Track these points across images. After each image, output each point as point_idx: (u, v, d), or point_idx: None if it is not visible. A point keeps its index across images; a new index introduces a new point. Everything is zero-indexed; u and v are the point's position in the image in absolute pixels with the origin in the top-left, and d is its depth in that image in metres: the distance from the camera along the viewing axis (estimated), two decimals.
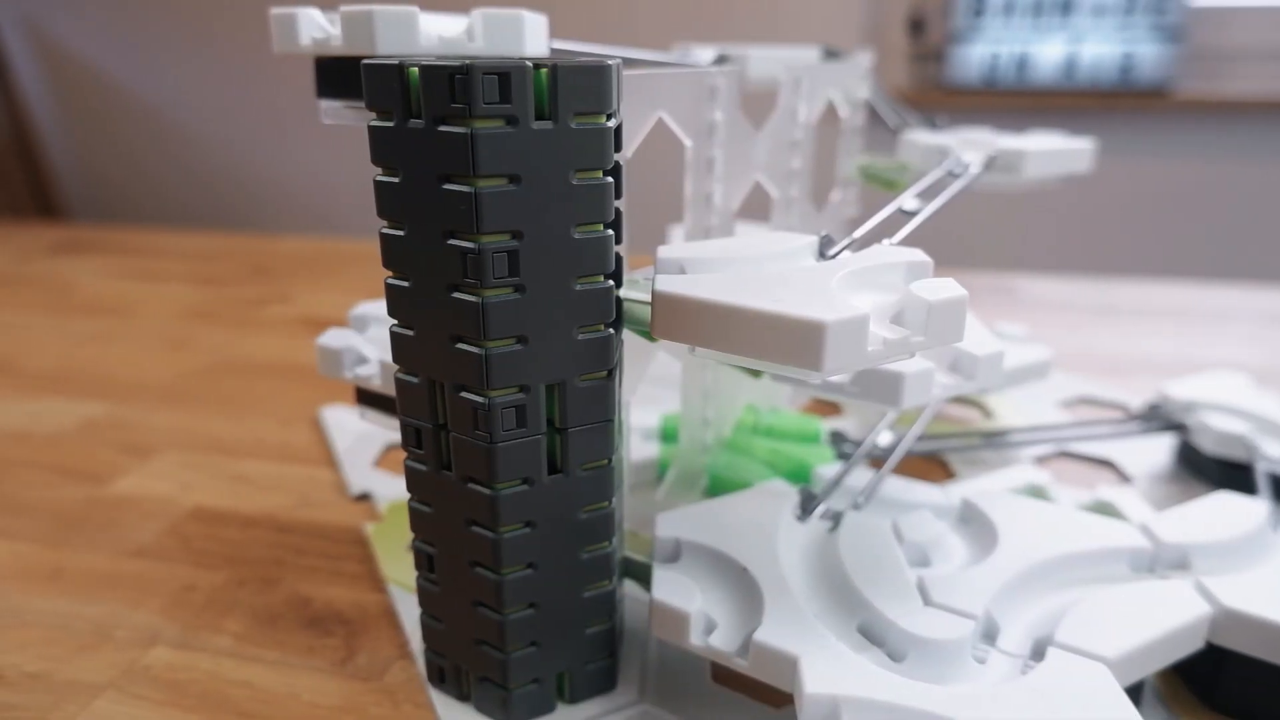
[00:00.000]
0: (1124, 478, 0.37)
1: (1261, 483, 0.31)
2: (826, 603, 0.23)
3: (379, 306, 0.31)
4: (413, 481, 0.22)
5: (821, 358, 0.18)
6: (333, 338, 0.28)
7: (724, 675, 0.25)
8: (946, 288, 0.20)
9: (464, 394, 0.20)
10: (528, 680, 0.23)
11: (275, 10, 0.24)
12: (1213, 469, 0.35)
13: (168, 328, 0.56)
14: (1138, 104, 1.42)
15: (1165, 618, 0.22)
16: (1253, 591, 0.23)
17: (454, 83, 0.18)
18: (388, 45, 0.22)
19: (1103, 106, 1.44)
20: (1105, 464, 0.38)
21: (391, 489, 0.35)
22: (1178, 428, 0.36)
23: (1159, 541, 0.25)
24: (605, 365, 0.21)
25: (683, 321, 0.20)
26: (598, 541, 0.23)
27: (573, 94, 0.18)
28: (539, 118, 0.18)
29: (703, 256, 0.22)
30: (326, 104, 0.25)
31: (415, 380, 0.21)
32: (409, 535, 0.32)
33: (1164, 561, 0.25)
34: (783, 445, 0.36)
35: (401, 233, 0.20)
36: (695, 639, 0.22)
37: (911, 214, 0.29)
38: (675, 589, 0.23)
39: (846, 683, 0.20)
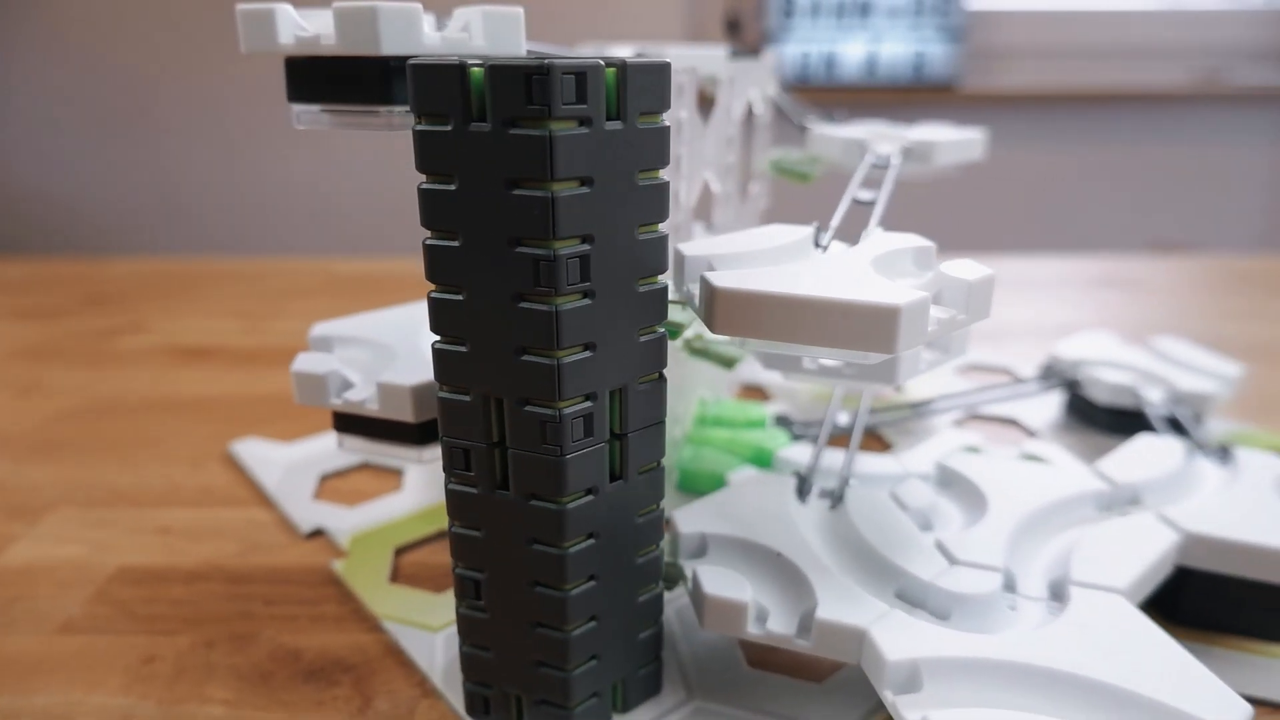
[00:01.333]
0: (1029, 432, 0.41)
1: (1159, 425, 0.36)
2: (860, 575, 0.24)
3: (337, 325, 0.28)
4: (458, 506, 0.21)
5: (895, 339, 0.19)
6: (310, 362, 0.26)
7: (759, 659, 0.26)
8: (976, 268, 0.21)
9: (530, 408, 0.19)
10: (588, 696, 0.23)
11: (244, 6, 0.22)
12: (1103, 417, 0.40)
13: (5, 370, 0.49)
14: (929, 98, 1.56)
15: (1150, 548, 0.25)
16: (1204, 516, 0.26)
17: (530, 83, 0.17)
18: (393, 44, 0.21)
19: (900, 101, 1.58)
20: (1010, 422, 0.42)
21: (344, 521, 0.33)
22: (1071, 384, 0.41)
23: (1115, 483, 0.28)
24: (660, 366, 0.21)
25: (750, 316, 0.20)
26: (650, 544, 0.23)
27: (640, 93, 0.18)
28: (609, 118, 0.18)
29: (725, 253, 0.22)
30: (301, 109, 0.23)
31: (466, 398, 0.20)
32: (385, 568, 0.30)
33: (1120, 499, 0.28)
34: (737, 433, 0.37)
35: (455, 243, 0.19)
36: (752, 628, 0.23)
37: (868, 203, 0.31)
38: (724, 582, 0.23)
39: (921, 645, 0.21)
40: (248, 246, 1.57)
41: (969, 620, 0.23)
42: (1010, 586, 0.24)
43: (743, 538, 0.25)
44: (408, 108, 0.23)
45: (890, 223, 0.26)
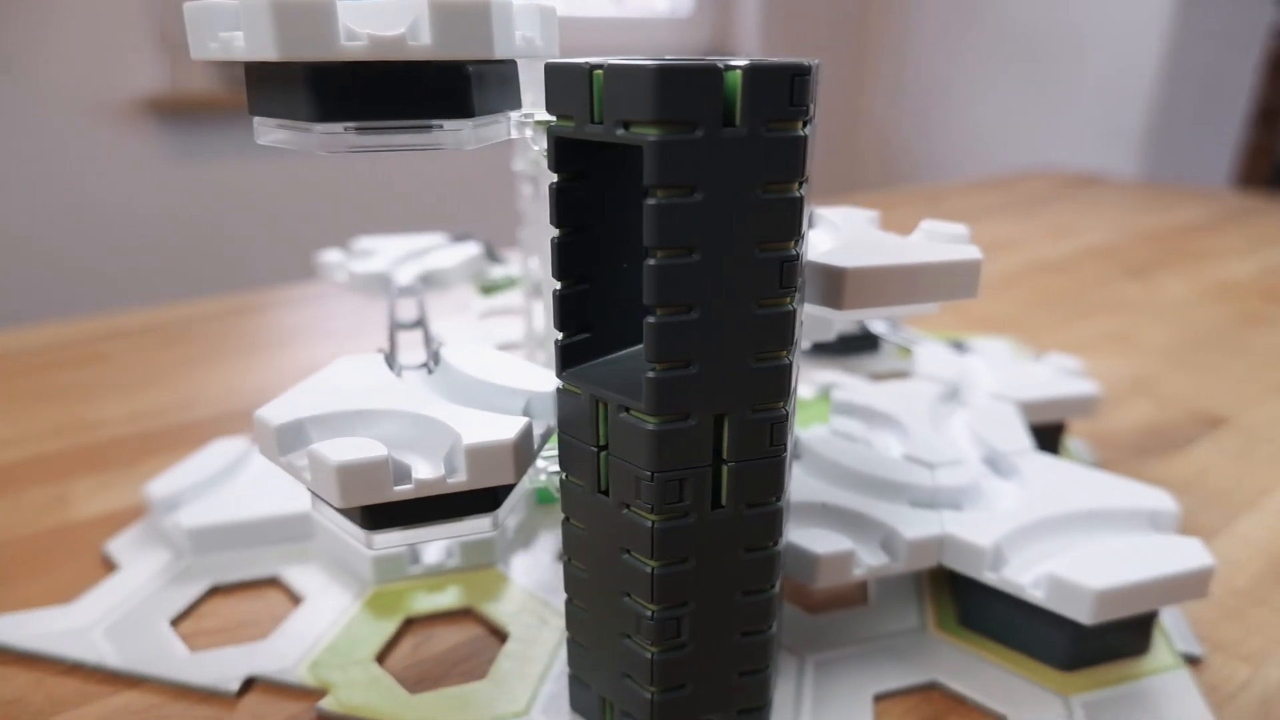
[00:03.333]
0: None
1: (891, 339, 0.46)
2: (876, 498, 0.28)
3: (292, 408, 0.22)
4: (669, 543, 0.20)
5: (977, 284, 0.23)
6: (356, 449, 0.20)
7: (811, 606, 0.28)
8: (955, 225, 0.26)
9: (757, 414, 0.19)
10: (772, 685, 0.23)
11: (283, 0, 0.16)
12: (836, 345, 0.49)
13: None
14: None
15: (1014, 415, 0.33)
16: (1015, 388, 0.36)
17: (794, 84, 0.17)
18: (502, 46, 0.18)
19: None
20: None
21: (274, 659, 0.26)
22: None
23: (946, 382, 0.37)
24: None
25: (876, 287, 0.22)
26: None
27: (817, 91, 0.19)
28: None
29: None
30: (326, 129, 0.18)
31: (689, 424, 0.19)
32: (388, 682, 0.25)
33: (949, 393, 0.37)
34: None
35: (692, 259, 0.17)
36: (858, 571, 0.25)
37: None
38: (826, 540, 0.25)
39: (990, 530, 0.26)
40: None
41: (975, 503, 0.28)
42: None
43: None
44: (480, 120, 0.20)
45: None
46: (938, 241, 0.26)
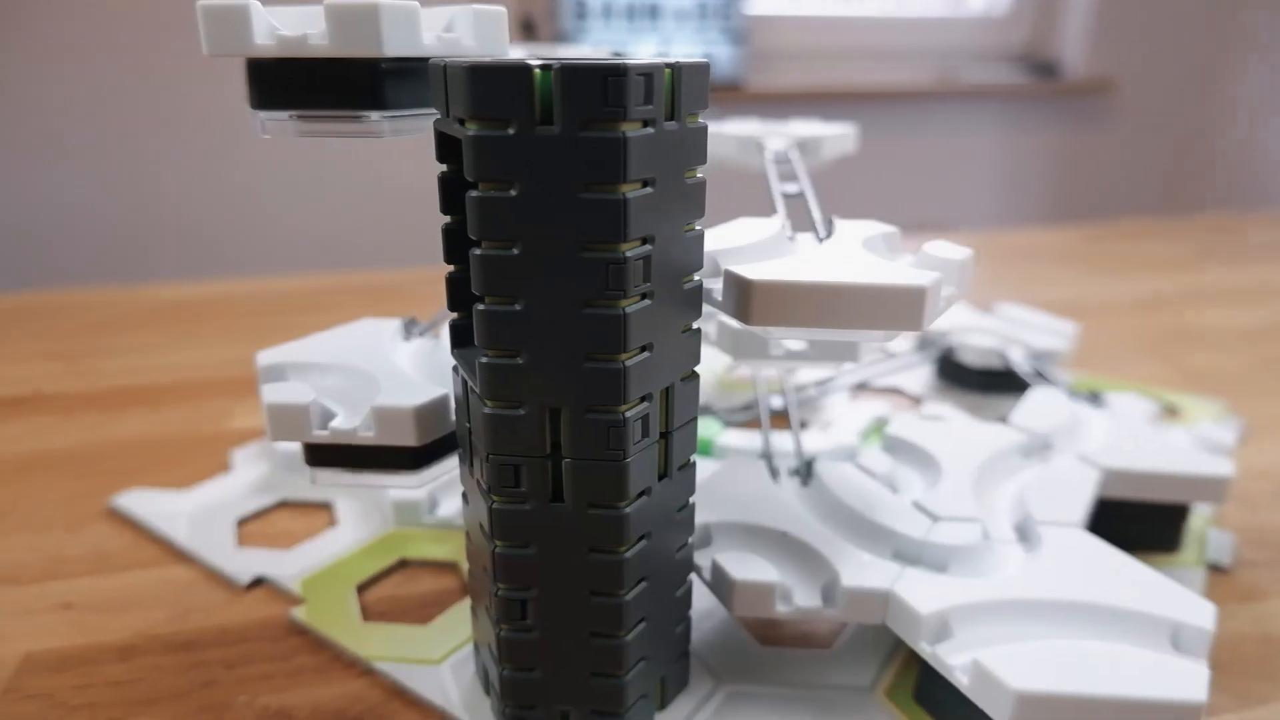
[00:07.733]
0: (914, 399, 0.45)
1: (1029, 380, 0.41)
2: (857, 542, 0.26)
3: (286, 352, 0.26)
4: (506, 526, 0.20)
5: (923, 316, 0.20)
6: (286, 392, 0.23)
7: (770, 637, 0.27)
8: (957, 249, 0.23)
9: (592, 414, 0.19)
10: (638, 697, 0.22)
11: (207, 2, 0.20)
12: (975, 379, 0.44)
13: None
14: (720, 96, 1.65)
15: (1085, 484, 0.29)
16: (1112, 453, 0.31)
17: (608, 85, 0.17)
18: (394, 45, 0.20)
19: None
20: (895, 391, 0.46)
21: (285, 566, 0.30)
22: (945, 351, 0.46)
23: (1032, 432, 0.32)
24: (697, 361, 0.21)
25: (787, 305, 0.20)
26: (685, 539, 0.23)
27: (690, 93, 0.18)
28: (667, 118, 0.18)
29: (727, 248, 0.23)
30: (268, 116, 0.21)
31: (519, 412, 0.19)
32: (353, 608, 0.28)
33: (1037, 446, 0.32)
34: None
35: (513, 252, 0.18)
36: (780, 606, 0.24)
37: (797, 195, 0.33)
38: (748, 566, 0.24)
39: (944, 597, 0.23)
40: (32, 277, 1.36)
41: (964, 568, 0.25)
42: (985, 534, 0.27)
43: (744, 522, 0.26)
44: (394, 113, 0.21)
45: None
46: (923, 266, 0.23)
